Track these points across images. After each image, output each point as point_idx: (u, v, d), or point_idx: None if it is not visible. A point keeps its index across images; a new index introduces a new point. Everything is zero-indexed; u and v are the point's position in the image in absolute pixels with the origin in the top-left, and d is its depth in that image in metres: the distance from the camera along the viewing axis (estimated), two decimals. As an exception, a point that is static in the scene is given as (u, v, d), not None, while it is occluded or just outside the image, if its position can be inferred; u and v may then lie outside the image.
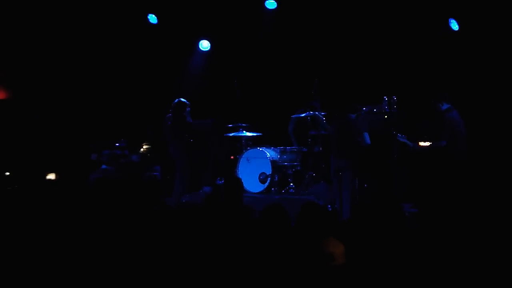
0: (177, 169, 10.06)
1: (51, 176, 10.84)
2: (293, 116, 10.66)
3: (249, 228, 4.95)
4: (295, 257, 4.24)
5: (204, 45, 12.32)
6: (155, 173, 10.90)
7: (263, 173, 10.39)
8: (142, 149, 11.17)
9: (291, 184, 10.33)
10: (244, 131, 10.71)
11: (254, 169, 10.45)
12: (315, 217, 4.76)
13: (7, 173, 10.86)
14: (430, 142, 8.47)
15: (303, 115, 10.35)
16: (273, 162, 10.36)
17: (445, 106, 8.42)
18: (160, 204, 6.17)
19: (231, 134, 10.80)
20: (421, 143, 8.56)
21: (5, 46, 11.47)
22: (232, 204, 6.36)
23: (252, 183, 10.32)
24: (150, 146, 11.27)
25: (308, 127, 10.38)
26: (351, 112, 8.94)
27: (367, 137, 8.78)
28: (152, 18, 12.03)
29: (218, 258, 4.44)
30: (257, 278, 4.18)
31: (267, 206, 4.92)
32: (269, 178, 10.32)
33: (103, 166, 9.91)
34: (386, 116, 9.60)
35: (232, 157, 11.29)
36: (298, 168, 10.51)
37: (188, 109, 10.14)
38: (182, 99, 10.05)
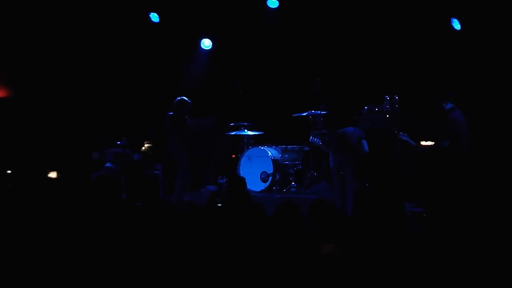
0: (178, 167, 10.04)
1: (53, 175, 10.83)
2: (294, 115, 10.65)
3: (263, 225, 4.93)
4: (308, 255, 4.24)
5: (206, 43, 12.31)
6: (156, 172, 10.90)
7: (264, 172, 10.40)
8: (143, 148, 11.15)
9: (293, 183, 10.33)
10: (245, 130, 10.70)
11: (255, 168, 10.45)
12: (325, 216, 4.75)
13: (8, 171, 10.85)
14: (432, 141, 8.45)
15: (305, 113, 10.35)
16: (275, 161, 10.36)
17: (448, 106, 8.40)
18: (161, 202, 6.15)
19: (232, 133, 10.80)
20: (424, 143, 8.55)
21: (6, 44, 11.46)
22: (240, 202, 6.35)
23: (253, 182, 10.30)
24: (151, 145, 11.25)
25: (309, 126, 10.37)
26: (345, 126, 8.98)
27: (365, 144, 8.79)
28: (154, 17, 12.04)
29: (230, 257, 4.42)
30: (273, 276, 4.17)
31: (281, 203, 4.91)
32: (270, 177, 10.33)
33: (107, 164, 9.89)
34: (387, 115, 9.62)
35: (233, 155, 11.29)
36: (300, 167, 10.52)
37: (187, 108, 10.10)
38: (184, 97, 10.02)
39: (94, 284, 4.51)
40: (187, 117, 10.00)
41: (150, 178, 10.55)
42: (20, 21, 11.41)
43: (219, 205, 7.83)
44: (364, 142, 8.82)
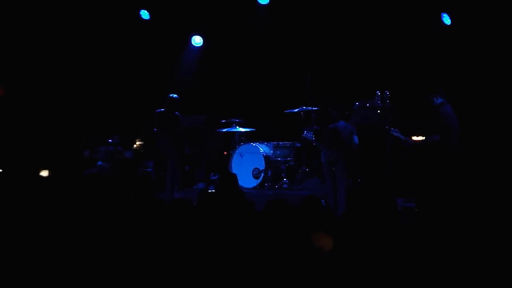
0: (168, 164, 10.01)
1: (44, 173, 10.80)
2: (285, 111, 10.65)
3: (253, 222, 4.93)
4: (295, 251, 4.23)
5: (197, 40, 12.30)
6: (148, 169, 10.88)
7: (256, 168, 10.39)
8: (135, 146, 11.13)
9: (285, 179, 10.33)
10: (237, 127, 10.70)
11: (247, 165, 10.44)
12: (315, 211, 4.75)
13: (-1, 170, 10.82)
14: (423, 136, 8.47)
15: (296, 110, 10.35)
16: (266, 158, 10.36)
17: (439, 100, 8.40)
18: (153, 199, 6.14)
19: (224, 130, 10.79)
20: (415, 138, 8.56)
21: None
22: (231, 199, 6.34)
23: (245, 179, 10.29)
24: (143, 142, 11.23)
25: (301, 122, 10.38)
26: (337, 121, 8.96)
27: (356, 138, 8.78)
28: (145, 14, 12.01)
29: (222, 254, 4.41)
30: (264, 273, 4.17)
31: (270, 201, 4.90)
32: (262, 174, 10.32)
33: (99, 163, 9.86)
34: (379, 111, 9.63)
35: (225, 152, 11.28)
36: (292, 163, 10.52)
37: (179, 106, 10.06)
38: (176, 96, 9.99)
39: (86, 282, 4.50)
40: (178, 114, 9.97)
41: (142, 175, 10.55)
42: (11, 19, 11.36)
43: (211, 191, 7.82)
44: (355, 137, 8.82)
